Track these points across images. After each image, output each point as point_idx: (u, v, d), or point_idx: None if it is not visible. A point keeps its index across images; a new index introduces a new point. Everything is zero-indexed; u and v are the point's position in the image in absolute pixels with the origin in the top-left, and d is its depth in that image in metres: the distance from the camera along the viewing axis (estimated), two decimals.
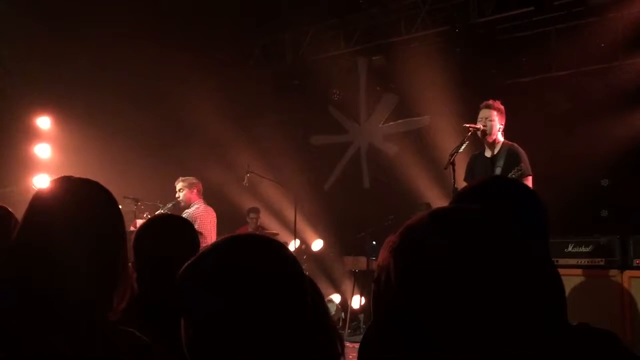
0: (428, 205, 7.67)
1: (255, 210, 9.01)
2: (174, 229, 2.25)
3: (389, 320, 0.93)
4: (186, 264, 1.15)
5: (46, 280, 1.39)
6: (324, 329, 1.20)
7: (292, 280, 1.16)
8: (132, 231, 6.70)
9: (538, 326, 0.87)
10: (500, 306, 0.85)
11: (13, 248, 1.48)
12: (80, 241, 1.43)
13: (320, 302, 1.23)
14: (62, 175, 1.56)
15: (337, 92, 9.58)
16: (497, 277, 0.86)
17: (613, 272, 5.48)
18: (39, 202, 1.51)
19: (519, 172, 4.70)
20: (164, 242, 2.15)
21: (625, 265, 5.49)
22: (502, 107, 5.06)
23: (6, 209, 1.99)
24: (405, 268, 0.91)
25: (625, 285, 5.38)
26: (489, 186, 1.51)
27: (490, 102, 5.05)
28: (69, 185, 1.54)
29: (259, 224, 8.94)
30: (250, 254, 1.15)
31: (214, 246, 1.18)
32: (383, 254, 0.96)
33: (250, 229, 8.54)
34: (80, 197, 1.51)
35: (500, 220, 0.93)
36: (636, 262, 5.49)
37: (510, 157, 4.94)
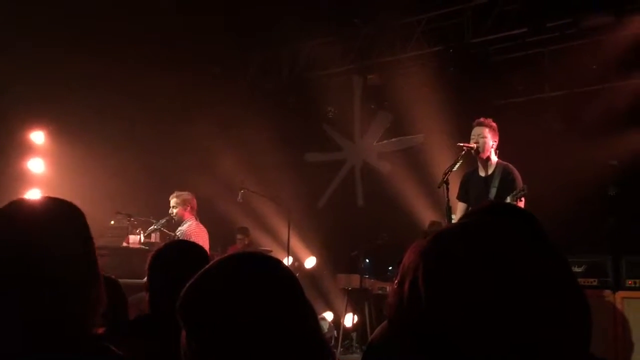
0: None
1: (243, 231, 8.95)
2: (187, 253, 2.37)
3: (410, 324, 0.91)
4: (191, 281, 1.21)
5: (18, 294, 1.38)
6: (317, 345, 1.21)
7: (291, 297, 1.21)
8: (125, 247, 6.68)
9: (563, 345, 0.86)
10: (526, 316, 0.85)
11: None
12: (47, 258, 1.41)
13: (314, 318, 1.25)
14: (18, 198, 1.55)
15: (332, 110, 9.62)
16: (527, 289, 0.86)
17: (606, 292, 5.48)
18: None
19: (523, 192, 4.70)
20: (177, 266, 2.19)
21: (617, 286, 5.50)
22: (494, 124, 5.07)
23: None
24: (434, 272, 0.89)
25: (618, 305, 5.38)
26: (496, 209, 1.52)
27: (482, 119, 5.07)
28: (25, 207, 1.51)
29: (246, 243, 8.87)
30: (252, 271, 1.21)
31: (218, 264, 1.23)
32: (410, 257, 0.94)
33: (239, 248, 8.48)
34: (42, 218, 1.48)
35: (533, 234, 0.93)
36: (629, 282, 5.51)
37: (505, 177, 4.95)
